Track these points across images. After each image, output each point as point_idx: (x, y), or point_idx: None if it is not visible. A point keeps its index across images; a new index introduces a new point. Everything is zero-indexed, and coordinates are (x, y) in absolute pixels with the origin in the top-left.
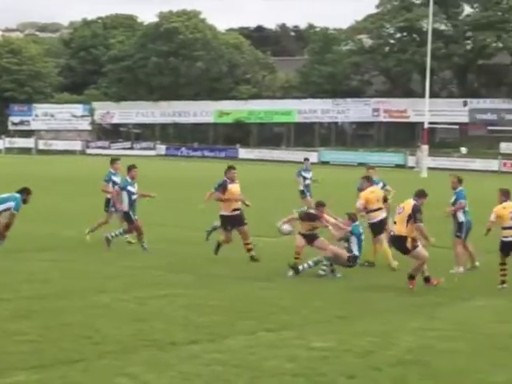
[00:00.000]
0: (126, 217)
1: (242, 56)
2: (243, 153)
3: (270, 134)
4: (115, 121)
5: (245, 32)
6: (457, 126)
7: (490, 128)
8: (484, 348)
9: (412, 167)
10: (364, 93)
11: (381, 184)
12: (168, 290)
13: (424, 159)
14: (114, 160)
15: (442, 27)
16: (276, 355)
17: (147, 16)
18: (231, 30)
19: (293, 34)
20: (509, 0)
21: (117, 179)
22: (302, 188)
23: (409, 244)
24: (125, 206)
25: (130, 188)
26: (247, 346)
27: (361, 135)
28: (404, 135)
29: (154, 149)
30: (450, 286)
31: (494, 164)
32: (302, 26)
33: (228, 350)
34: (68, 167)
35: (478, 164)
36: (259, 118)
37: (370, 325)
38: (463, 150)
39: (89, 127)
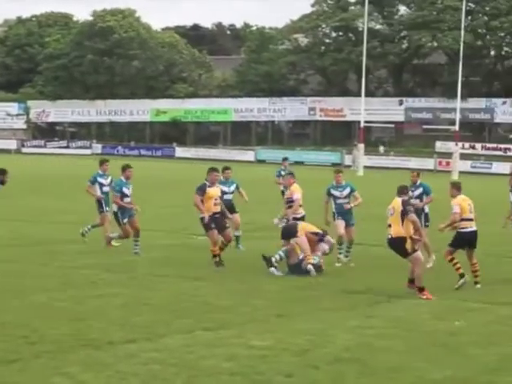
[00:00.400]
0: (115, 217)
1: (178, 55)
2: (180, 152)
3: (206, 133)
4: (51, 119)
5: (181, 31)
6: (392, 125)
7: (425, 127)
8: (421, 345)
9: (349, 166)
10: (300, 92)
11: (348, 189)
12: (105, 289)
13: (360, 158)
14: (102, 161)
15: (378, 27)
16: (214, 354)
17: (82, 14)
18: (167, 28)
19: (229, 32)
20: (443, 0)
21: (103, 181)
22: (282, 188)
23: (408, 245)
24: (114, 206)
25: (124, 190)
26: (185, 345)
27: (297, 134)
28: (340, 134)
29: (89, 148)
30: (387, 284)
31: (429, 163)
32: (238, 24)
33: (165, 348)
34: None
35: (413, 163)
36: (196, 117)
37: (308, 323)
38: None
39: (24, 126)
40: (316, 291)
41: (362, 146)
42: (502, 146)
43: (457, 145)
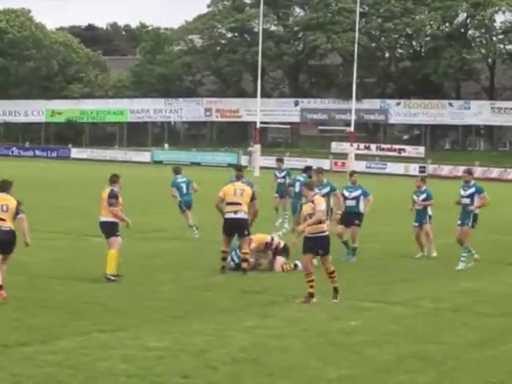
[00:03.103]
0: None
1: (74, 55)
2: (75, 152)
3: (102, 134)
4: None
5: (75, 31)
6: (288, 126)
7: (320, 128)
8: (317, 345)
9: (245, 166)
10: (196, 92)
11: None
12: None
13: (257, 158)
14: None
15: (273, 28)
16: (110, 356)
17: None
18: (62, 28)
19: (124, 33)
20: (338, 2)
21: None
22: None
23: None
24: None
25: None
26: (81, 347)
27: (194, 135)
28: (237, 135)
29: None
30: (282, 284)
31: (325, 163)
32: (134, 25)
33: (61, 351)
34: None
35: (309, 163)
36: (92, 118)
37: (205, 324)
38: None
39: None
40: (212, 292)
41: (258, 146)
42: (397, 146)
43: (352, 145)
